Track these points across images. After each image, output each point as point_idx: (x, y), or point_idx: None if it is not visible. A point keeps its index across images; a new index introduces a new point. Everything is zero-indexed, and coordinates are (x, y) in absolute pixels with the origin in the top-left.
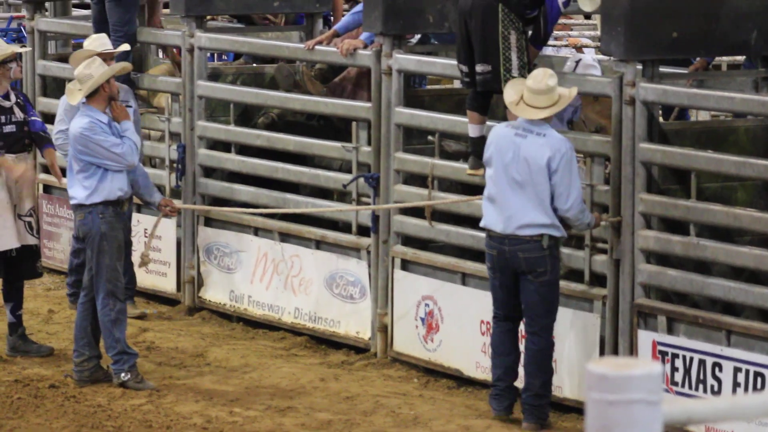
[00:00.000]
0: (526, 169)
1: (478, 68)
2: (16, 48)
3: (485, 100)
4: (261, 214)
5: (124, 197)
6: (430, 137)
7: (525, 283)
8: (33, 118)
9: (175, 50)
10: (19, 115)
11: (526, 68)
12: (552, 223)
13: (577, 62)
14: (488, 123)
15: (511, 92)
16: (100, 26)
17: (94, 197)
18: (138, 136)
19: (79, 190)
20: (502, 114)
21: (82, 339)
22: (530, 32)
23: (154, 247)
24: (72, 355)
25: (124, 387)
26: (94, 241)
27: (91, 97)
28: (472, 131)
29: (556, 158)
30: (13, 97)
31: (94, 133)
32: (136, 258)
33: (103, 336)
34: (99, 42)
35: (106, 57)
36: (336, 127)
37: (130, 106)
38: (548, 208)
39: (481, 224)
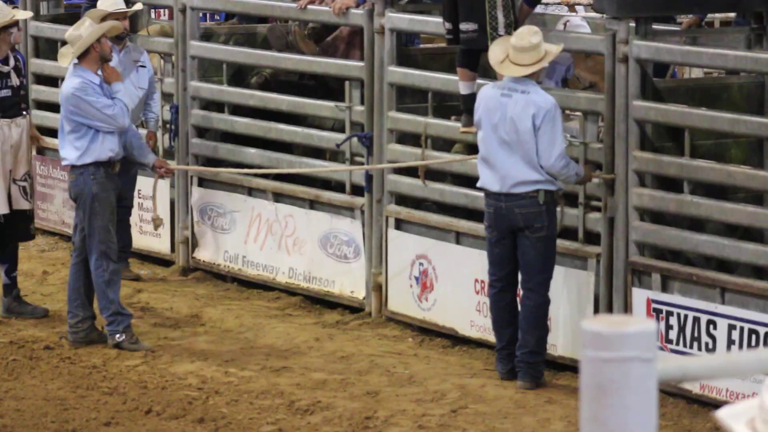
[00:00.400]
0: (513, 129)
1: (463, 26)
2: (19, 14)
3: (474, 57)
4: (256, 175)
5: (115, 158)
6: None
7: (522, 240)
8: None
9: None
10: (15, 80)
11: (513, 26)
12: (545, 178)
13: (565, 24)
14: (480, 82)
15: (496, 51)
16: None
17: (85, 158)
18: (154, 101)
19: (70, 151)
20: (494, 73)
21: (75, 300)
22: None
23: (148, 208)
24: (66, 317)
25: (119, 348)
26: (86, 203)
27: (82, 57)
28: (463, 88)
29: (540, 116)
30: (12, 61)
31: (86, 94)
32: (133, 220)
33: (97, 297)
34: (111, 1)
35: (119, 17)
36: (329, 87)
37: (144, 66)
38: (538, 165)
39: (478, 184)
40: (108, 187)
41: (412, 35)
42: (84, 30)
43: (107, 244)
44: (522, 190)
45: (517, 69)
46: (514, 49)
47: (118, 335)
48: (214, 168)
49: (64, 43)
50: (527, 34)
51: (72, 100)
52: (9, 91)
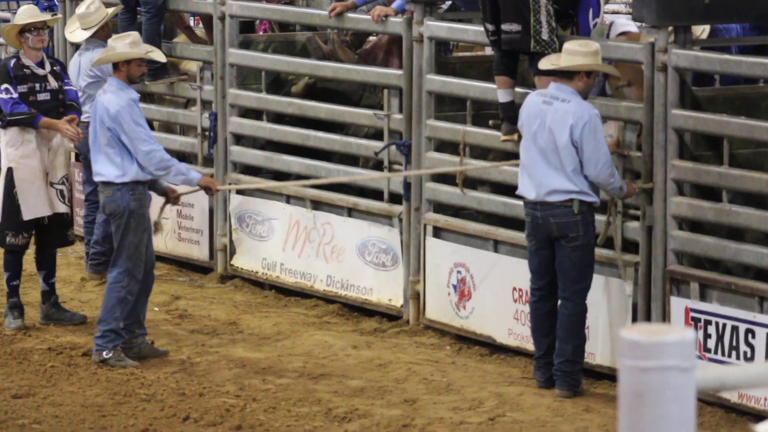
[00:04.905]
0: (550, 137)
1: (505, 27)
2: (50, 19)
3: (512, 63)
4: (273, 188)
5: (152, 177)
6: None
7: (558, 249)
8: (68, 87)
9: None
10: (53, 83)
11: (555, 33)
12: (580, 189)
13: (611, 25)
14: (520, 90)
15: (551, 57)
16: None
17: (125, 177)
18: None
19: (107, 167)
20: (532, 81)
21: (129, 318)
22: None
23: (186, 215)
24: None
25: (104, 363)
26: (122, 218)
27: (116, 70)
28: (502, 96)
29: (579, 126)
30: (48, 65)
31: (132, 112)
32: (172, 227)
33: (103, 307)
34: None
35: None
36: (339, 91)
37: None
38: (574, 175)
39: (517, 192)
40: (145, 204)
41: (444, 43)
42: (121, 46)
43: (135, 262)
44: (556, 199)
45: (549, 65)
46: (566, 52)
47: (105, 352)
48: (238, 185)
49: None
50: (584, 41)
51: (120, 116)
52: (48, 94)
